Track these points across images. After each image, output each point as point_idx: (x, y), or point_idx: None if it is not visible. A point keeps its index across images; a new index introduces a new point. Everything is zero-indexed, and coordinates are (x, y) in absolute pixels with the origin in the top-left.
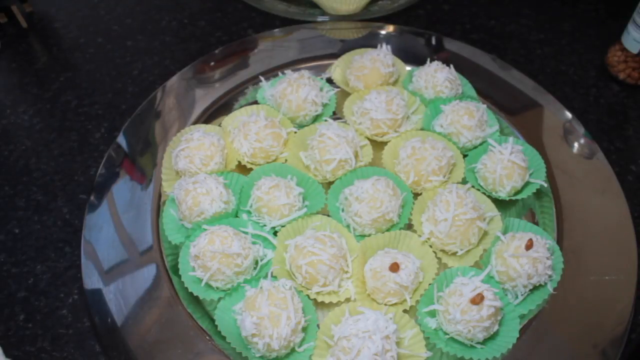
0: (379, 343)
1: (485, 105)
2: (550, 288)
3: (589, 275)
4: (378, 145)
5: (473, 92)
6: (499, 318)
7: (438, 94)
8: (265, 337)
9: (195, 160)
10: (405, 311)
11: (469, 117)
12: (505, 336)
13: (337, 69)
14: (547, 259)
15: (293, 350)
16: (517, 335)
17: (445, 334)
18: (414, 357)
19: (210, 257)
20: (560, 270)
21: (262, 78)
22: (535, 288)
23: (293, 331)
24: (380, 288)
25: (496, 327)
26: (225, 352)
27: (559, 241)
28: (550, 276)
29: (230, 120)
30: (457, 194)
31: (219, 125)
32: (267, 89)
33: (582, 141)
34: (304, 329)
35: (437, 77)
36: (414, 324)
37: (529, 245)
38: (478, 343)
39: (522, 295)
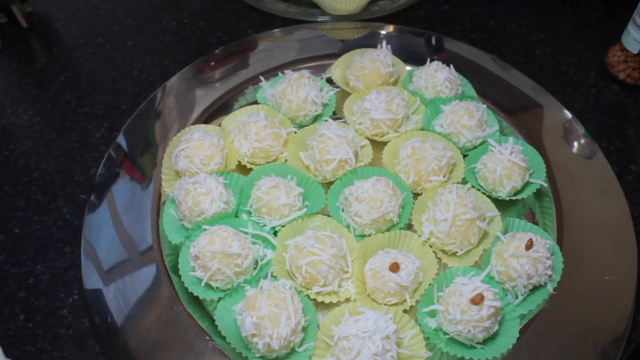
0: (379, 343)
1: (485, 106)
2: (550, 288)
3: (589, 275)
4: (378, 145)
5: (473, 92)
6: (499, 318)
7: (438, 93)
8: (265, 337)
9: (195, 160)
10: (405, 311)
11: (469, 117)
12: (506, 336)
13: (337, 69)
14: (547, 259)
15: (293, 350)
16: (517, 336)
17: (445, 334)
18: (414, 358)
19: (210, 257)
20: (560, 271)
21: (262, 78)
22: (535, 288)
23: (293, 331)
24: (380, 288)
25: (496, 327)
26: (225, 353)
27: (559, 241)
28: (550, 276)
29: (230, 121)
30: (457, 194)
31: (219, 125)
32: (267, 89)
33: (582, 141)
34: (304, 329)
35: (437, 77)
36: (414, 324)
37: (529, 245)
38: (478, 343)
39: (522, 295)
